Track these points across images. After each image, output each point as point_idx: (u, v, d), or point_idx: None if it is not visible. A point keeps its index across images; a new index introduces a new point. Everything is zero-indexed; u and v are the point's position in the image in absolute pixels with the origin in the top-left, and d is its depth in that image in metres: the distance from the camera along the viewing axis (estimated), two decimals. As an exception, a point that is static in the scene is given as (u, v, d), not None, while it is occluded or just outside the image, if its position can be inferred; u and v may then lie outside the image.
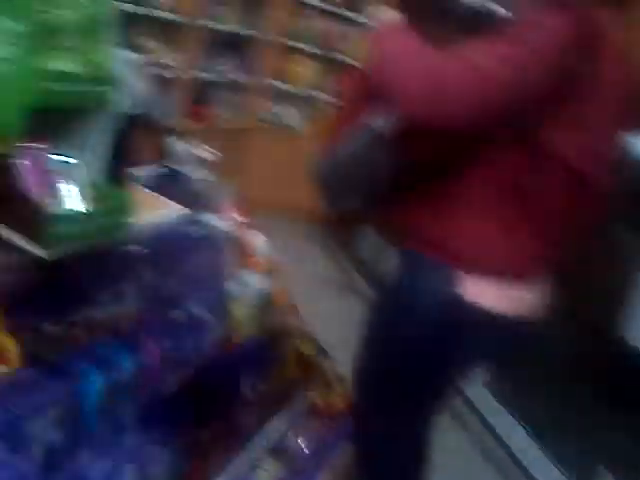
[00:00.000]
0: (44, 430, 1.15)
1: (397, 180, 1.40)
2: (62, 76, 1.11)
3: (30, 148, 1.14)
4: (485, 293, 1.32)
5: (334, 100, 4.94)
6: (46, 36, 1.08)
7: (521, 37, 1.21)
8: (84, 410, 1.26)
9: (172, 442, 1.44)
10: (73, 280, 1.34)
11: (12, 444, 1.07)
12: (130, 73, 1.70)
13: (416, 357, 1.41)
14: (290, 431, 1.85)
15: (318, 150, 1.57)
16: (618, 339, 2.30)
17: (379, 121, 1.42)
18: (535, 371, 2.76)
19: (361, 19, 4.92)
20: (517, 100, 1.20)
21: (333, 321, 2.88)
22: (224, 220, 1.87)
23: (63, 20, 1.12)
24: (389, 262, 1.47)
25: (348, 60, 4.98)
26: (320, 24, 4.81)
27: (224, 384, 1.67)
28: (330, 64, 5.01)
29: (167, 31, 3.76)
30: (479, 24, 1.33)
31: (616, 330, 2.31)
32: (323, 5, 4.75)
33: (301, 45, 4.77)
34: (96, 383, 1.28)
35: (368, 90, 1.44)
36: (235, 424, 1.70)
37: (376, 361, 1.52)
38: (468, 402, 3.06)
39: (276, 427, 1.81)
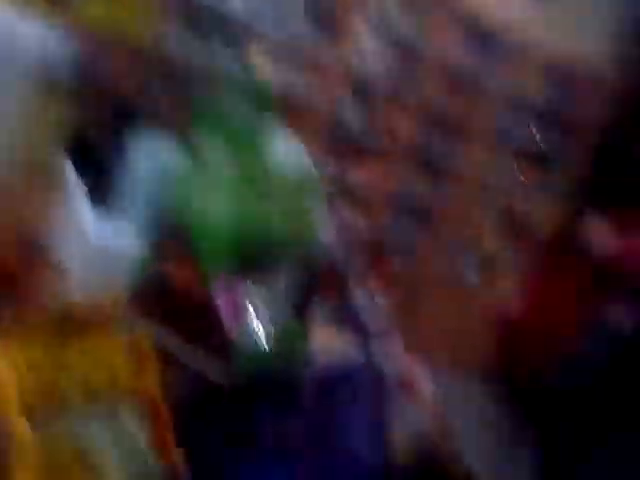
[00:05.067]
0: None
1: None
2: (270, 230, 1.34)
3: (230, 285, 1.35)
4: None
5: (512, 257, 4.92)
6: (264, 197, 1.32)
7: None
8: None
9: None
10: (246, 409, 1.44)
11: None
12: (326, 226, 1.92)
13: None
14: None
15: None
16: None
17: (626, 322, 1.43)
18: None
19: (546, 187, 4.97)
20: None
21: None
22: (393, 359, 1.95)
23: (279, 185, 1.36)
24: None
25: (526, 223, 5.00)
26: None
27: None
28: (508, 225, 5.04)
29: (358, 198, 4.16)
30: None
31: None
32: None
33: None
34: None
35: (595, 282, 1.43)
36: None
37: None
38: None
39: None
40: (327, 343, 1.67)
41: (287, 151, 1.46)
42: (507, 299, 1.82)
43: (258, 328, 1.37)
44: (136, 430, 1.19)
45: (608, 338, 1.39)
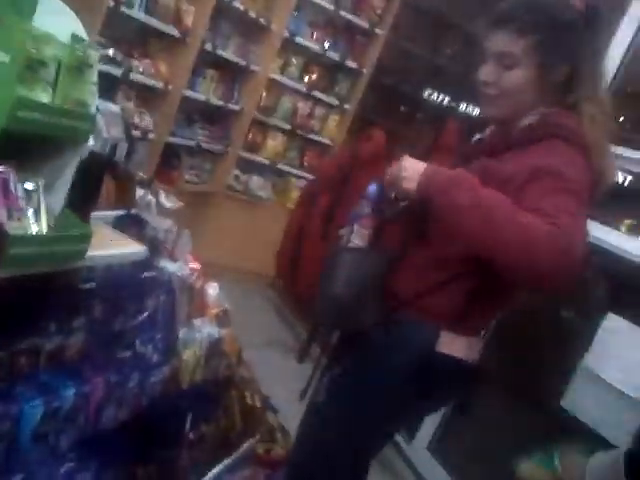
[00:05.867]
0: (-22, 449, 1.16)
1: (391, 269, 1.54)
2: (40, 106, 1.18)
3: (1, 172, 1.20)
4: (456, 345, 1.53)
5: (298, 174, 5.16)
6: (30, 69, 1.16)
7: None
8: (21, 434, 1.27)
9: (107, 476, 1.44)
10: (24, 308, 1.36)
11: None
12: (107, 120, 1.80)
13: (387, 404, 1.55)
14: (228, 477, 1.85)
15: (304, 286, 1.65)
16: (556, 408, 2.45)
17: (355, 238, 1.54)
18: (475, 433, 2.86)
19: (328, 99, 5.18)
20: None
21: (278, 380, 2.91)
22: (181, 266, 1.93)
23: (49, 56, 1.19)
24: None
25: (314, 137, 5.21)
26: (291, 102, 5.04)
27: (166, 424, 1.68)
28: (297, 139, 5.22)
29: (144, 95, 3.90)
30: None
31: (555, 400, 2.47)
32: (296, 85, 4.98)
33: (273, 120, 4.97)
34: (36, 408, 1.30)
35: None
36: (174, 465, 1.69)
37: (342, 407, 1.60)
38: (410, 464, 3.13)
39: (215, 472, 1.81)
40: (110, 246, 1.59)
41: (61, 21, 1.32)
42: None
43: (32, 217, 1.26)
44: None
45: (354, 257, 1.54)
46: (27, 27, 1.18)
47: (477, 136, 1.67)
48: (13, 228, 1.18)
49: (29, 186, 1.27)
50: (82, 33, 1.35)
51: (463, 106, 5.65)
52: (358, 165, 1.78)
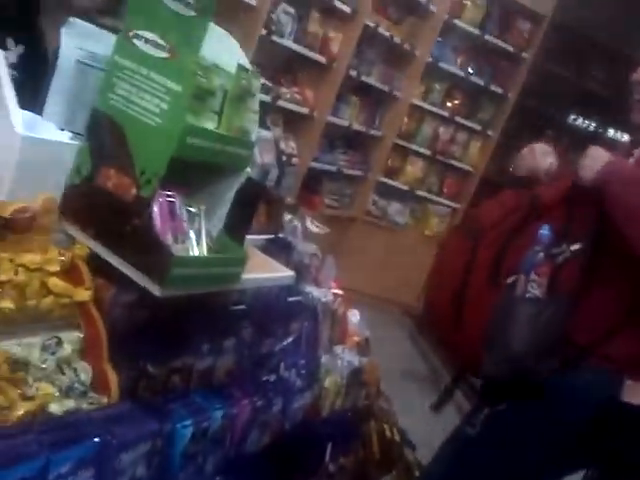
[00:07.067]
0: (133, 464, 1.18)
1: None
2: (207, 134, 1.23)
3: (165, 194, 1.25)
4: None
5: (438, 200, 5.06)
6: (199, 98, 1.21)
7: None
8: (172, 452, 1.30)
9: (250, 501, 1.44)
10: (180, 327, 1.41)
11: (102, 473, 1.10)
12: (260, 146, 1.85)
13: (551, 453, 1.48)
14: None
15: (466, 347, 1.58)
16: None
17: (532, 288, 1.46)
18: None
19: (470, 125, 5.06)
20: None
21: (413, 413, 2.82)
22: (325, 292, 1.93)
23: (217, 86, 1.24)
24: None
25: (455, 163, 5.10)
26: (432, 127, 4.97)
27: (308, 452, 1.67)
28: (437, 165, 5.14)
29: (290, 121, 4.01)
30: None
31: None
32: (437, 110, 4.92)
33: (413, 146, 4.93)
34: (187, 428, 1.32)
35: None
36: (313, 494, 1.68)
37: (500, 445, 1.54)
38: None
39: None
40: (261, 270, 1.61)
41: (227, 51, 1.36)
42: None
43: (194, 240, 1.29)
44: (68, 342, 1.13)
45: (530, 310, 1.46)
46: (197, 58, 1.22)
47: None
48: (177, 250, 1.22)
49: (192, 210, 1.32)
50: (246, 62, 1.39)
51: (611, 132, 5.34)
52: (538, 212, 1.60)
